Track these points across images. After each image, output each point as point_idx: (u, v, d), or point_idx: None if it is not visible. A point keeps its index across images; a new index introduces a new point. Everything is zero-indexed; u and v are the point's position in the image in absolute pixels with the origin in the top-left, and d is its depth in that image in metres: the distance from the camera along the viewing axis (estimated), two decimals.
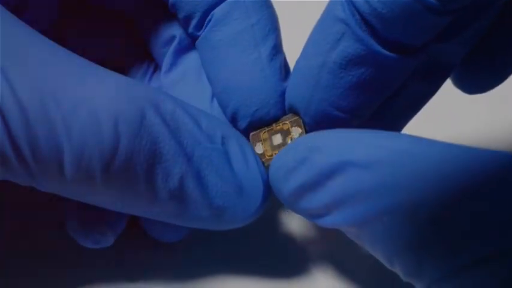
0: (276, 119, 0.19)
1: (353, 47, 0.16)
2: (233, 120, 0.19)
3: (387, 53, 0.16)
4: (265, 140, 0.19)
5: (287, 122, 0.19)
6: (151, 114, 0.16)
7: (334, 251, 0.22)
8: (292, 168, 0.16)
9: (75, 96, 0.15)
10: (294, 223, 0.23)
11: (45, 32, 0.17)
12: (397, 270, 0.14)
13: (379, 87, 0.17)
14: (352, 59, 0.16)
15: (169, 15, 0.21)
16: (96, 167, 0.15)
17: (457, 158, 0.13)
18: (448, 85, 0.21)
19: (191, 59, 0.21)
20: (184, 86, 0.21)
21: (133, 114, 0.16)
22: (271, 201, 0.20)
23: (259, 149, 0.19)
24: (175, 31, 0.21)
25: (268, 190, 0.18)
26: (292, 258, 0.22)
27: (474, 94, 0.22)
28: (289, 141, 0.18)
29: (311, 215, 0.16)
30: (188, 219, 0.17)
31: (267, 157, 0.19)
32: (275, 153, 0.18)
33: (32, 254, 0.21)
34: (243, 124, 0.19)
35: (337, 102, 0.17)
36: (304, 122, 0.18)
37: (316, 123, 0.18)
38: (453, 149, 0.13)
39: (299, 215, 0.23)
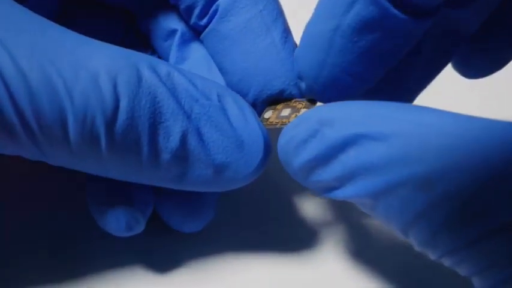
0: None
1: (368, 10, 0.16)
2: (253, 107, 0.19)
3: (401, 15, 0.16)
4: (277, 110, 0.19)
5: (303, 103, 0.19)
6: (148, 76, 0.16)
7: (346, 233, 0.22)
8: (303, 141, 0.16)
9: (74, 60, 0.16)
10: (306, 207, 0.23)
11: None
12: (412, 240, 0.14)
13: (392, 51, 0.17)
14: (366, 22, 0.16)
15: (169, 7, 0.22)
16: (99, 128, 0.16)
17: (471, 128, 0.13)
18: (440, 78, 0.21)
19: (196, 50, 0.22)
20: None
21: (131, 75, 0.16)
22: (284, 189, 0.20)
23: (268, 114, 0.19)
24: (175, 24, 0.22)
25: (269, 145, 0.18)
26: (306, 244, 0.22)
27: (473, 78, 0.22)
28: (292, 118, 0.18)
29: (322, 189, 0.16)
30: (191, 181, 0.17)
31: (268, 122, 0.19)
32: (276, 121, 0.19)
33: (52, 244, 0.21)
34: (262, 107, 0.19)
35: (350, 67, 0.17)
36: None
37: (324, 89, 0.18)
38: (467, 119, 0.13)
39: (311, 199, 0.23)
